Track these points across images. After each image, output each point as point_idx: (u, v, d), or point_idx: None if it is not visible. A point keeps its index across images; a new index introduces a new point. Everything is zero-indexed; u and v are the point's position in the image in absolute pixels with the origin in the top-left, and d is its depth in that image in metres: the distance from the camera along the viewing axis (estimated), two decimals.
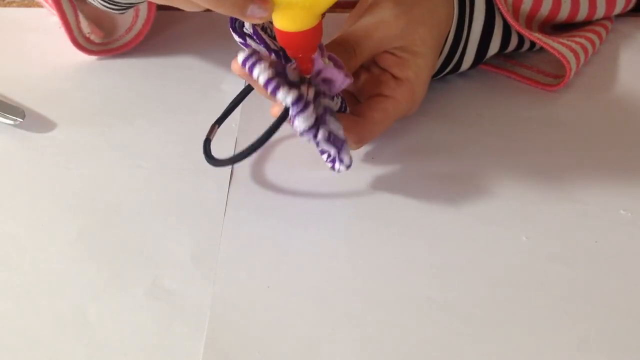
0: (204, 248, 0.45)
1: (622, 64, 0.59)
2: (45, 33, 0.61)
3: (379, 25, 0.47)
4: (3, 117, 0.53)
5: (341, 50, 0.45)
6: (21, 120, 0.53)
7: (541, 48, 0.56)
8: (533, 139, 0.52)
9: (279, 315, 0.42)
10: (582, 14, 0.57)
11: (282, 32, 0.42)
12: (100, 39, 0.60)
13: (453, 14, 0.51)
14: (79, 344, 0.40)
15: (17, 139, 0.53)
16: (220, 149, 0.51)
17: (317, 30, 0.42)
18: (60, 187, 0.49)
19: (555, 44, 0.54)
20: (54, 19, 0.61)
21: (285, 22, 0.41)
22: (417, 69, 0.49)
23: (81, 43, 0.59)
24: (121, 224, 0.47)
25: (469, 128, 0.53)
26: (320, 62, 0.43)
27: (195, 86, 0.57)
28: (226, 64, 0.58)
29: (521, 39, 0.55)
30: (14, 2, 0.66)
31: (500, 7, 0.52)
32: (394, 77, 0.49)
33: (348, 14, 0.54)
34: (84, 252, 0.45)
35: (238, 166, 0.50)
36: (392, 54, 0.49)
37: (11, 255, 0.45)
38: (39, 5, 0.65)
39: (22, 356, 0.40)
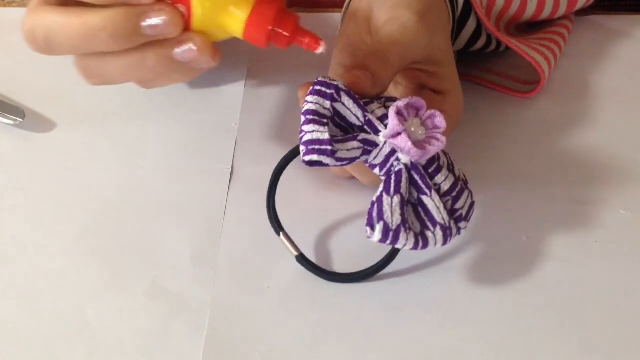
0: (204, 248, 0.45)
1: (612, 61, 0.59)
2: None
3: (402, 31, 0.45)
4: (3, 117, 0.53)
5: (374, 60, 0.43)
6: (21, 120, 0.53)
7: (505, 50, 0.56)
8: (530, 139, 0.52)
9: (279, 315, 0.42)
10: (546, 12, 0.57)
11: (245, 34, 0.41)
12: None
13: (450, 15, 0.51)
14: (79, 344, 0.40)
15: (17, 139, 0.53)
16: (220, 149, 0.51)
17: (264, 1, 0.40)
18: (60, 187, 0.49)
19: (530, 51, 0.53)
20: None
21: (232, 26, 0.41)
22: (450, 78, 0.47)
23: None
24: (121, 224, 0.47)
25: (458, 131, 0.53)
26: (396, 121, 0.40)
27: (196, 86, 0.57)
28: (226, 64, 0.58)
29: (488, 39, 0.55)
30: (14, 2, 0.66)
31: (478, 10, 0.52)
32: (435, 91, 0.47)
33: (337, 14, 0.53)
34: (84, 252, 0.45)
35: (238, 166, 0.50)
36: (420, 70, 0.47)
37: (11, 255, 0.45)
38: None
39: (22, 356, 0.40)
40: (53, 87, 0.57)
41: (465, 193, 0.42)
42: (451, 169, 0.42)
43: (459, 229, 0.41)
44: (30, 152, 0.52)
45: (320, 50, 0.42)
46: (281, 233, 0.44)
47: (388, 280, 0.44)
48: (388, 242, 0.39)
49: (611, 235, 0.46)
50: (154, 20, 0.41)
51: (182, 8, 0.41)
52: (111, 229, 0.46)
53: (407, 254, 0.44)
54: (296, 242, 0.44)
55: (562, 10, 0.57)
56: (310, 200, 0.48)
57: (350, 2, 0.51)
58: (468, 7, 0.52)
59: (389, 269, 0.43)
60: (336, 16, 0.59)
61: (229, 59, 0.59)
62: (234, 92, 0.56)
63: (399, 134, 0.39)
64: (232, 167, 0.50)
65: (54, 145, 0.52)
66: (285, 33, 0.41)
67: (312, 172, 0.49)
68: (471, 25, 0.53)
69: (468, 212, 0.42)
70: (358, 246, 0.45)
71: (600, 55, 0.59)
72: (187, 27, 0.41)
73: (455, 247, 0.45)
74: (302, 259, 0.44)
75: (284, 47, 0.42)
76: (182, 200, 0.48)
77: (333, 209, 0.47)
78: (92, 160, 0.51)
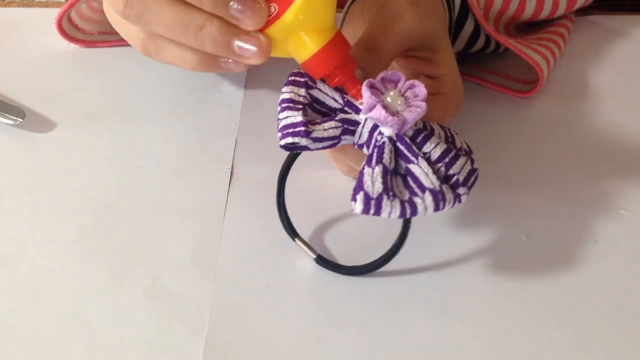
0: (204, 248, 0.45)
1: (612, 61, 0.59)
2: (45, 33, 0.61)
3: (395, 18, 0.45)
4: (3, 117, 0.53)
5: (362, 51, 0.44)
6: (21, 120, 0.53)
7: (505, 50, 0.56)
8: (530, 139, 0.52)
9: (279, 315, 0.42)
10: (545, 12, 0.57)
11: (306, 63, 0.40)
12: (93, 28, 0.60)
13: (445, 9, 0.51)
14: (79, 344, 0.40)
15: (17, 139, 0.53)
16: (220, 149, 0.51)
17: (337, 41, 0.40)
18: (60, 187, 0.49)
19: (528, 51, 0.53)
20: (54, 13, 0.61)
21: (298, 49, 0.40)
22: (446, 63, 0.48)
23: (65, 28, 0.59)
24: (121, 224, 0.47)
25: (457, 131, 0.53)
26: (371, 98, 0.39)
27: (195, 86, 0.57)
28: None
29: (487, 40, 0.55)
30: (14, 2, 0.66)
31: (475, 11, 0.52)
32: (430, 77, 0.48)
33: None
34: (84, 252, 0.45)
35: (238, 166, 0.50)
36: (415, 57, 0.47)
37: (11, 255, 0.45)
38: (39, 5, 0.65)
39: (22, 356, 0.40)
40: (53, 87, 0.57)
41: (462, 159, 0.41)
42: (450, 140, 0.41)
43: (458, 196, 0.40)
44: (30, 152, 0.52)
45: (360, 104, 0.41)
46: (296, 238, 0.44)
47: (388, 280, 0.44)
48: (371, 212, 0.38)
49: (611, 235, 0.46)
50: (242, 7, 0.39)
51: (273, 8, 0.39)
52: (111, 228, 0.46)
53: (409, 253, 0.44)
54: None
55: (561, 10, 0.57)
56: (316, 202, 0.48)
57: (348, 8, 0.51)
58: (465, 9, 0.52)
59: (389, 268, 0.43)
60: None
61: None
62: (234, 92, 0.56)
63: (375, 106, 0.39)
64: (232, 167, 0.50)
65: (54, 145, 0.52)
66: (341, 78, 0.41)
67: (316, 172, 0.49)
68: (469, 26, 0.53)
69: (468, 178, 0.41)
70: (366, 242, 0.45)
71: (600, 55, 0.59)
72: (262, 28, 0.40)
73: (455, 246, 0.45)
74: (320, 260, 0.44)
75: (331, 85, 0.41)
76: (182, 200, 0.48)
77: (340, 209, 0.47)
78: (92, 160, 0.51)
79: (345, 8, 0.51)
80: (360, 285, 0.43)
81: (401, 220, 0.41)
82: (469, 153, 0.42)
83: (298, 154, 0.43)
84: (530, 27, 0.59)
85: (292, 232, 0.45)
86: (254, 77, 0.57)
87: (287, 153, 0.43)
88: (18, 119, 0.53)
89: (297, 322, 0.41)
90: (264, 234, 0.46)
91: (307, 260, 0.44)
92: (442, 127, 0.42)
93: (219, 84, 0.57)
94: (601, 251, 0.45)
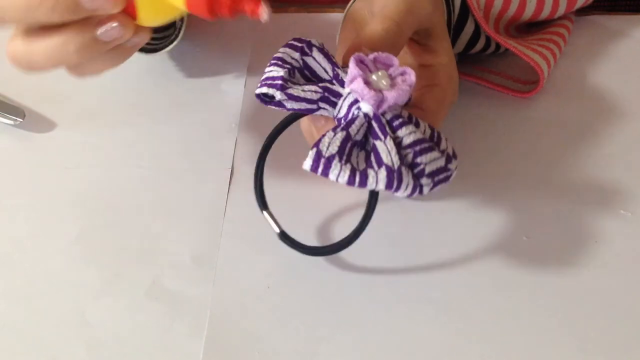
0: (204, 248, 0.45)
1: (611, 61, 0.59)
2: None
3: (416, 1, 0.45)
4: (3, 117, 0.53)
5: (385, 34, 0.43)
6: (21, 120, 0.53)
7: (505, 51, 0.56)
8: (530, 139, 0.52)
9: (279, 315, 0.42)
10: (545, 12, 0.57)
11: (186, 3, 0.38)
12: None
13: (444, 8, 0.51)
14: (79, 344, 0.40)
15: (17, 139, 0.53)
16: (221, 149, 0.52)
17: None
18: (60, 187, 0.49)
19: (529, 52, 0.53)
20: None
21: None
22: (444, 52, 0.47)
23: None
24: (121, 224, 0.47)
25: (458, 131, 0.53)
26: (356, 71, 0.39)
27: (195, 86, 0.57)
28: (226, 63, 0.58)
29: (487, 41, 0.55)
30: None
31: (475, 13, 0.52)
32: (426, 66, 0.47)
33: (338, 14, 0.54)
34: (84, 252, 0.45)
35: (238, 166, 0.50)
36: (417, 41, 0.47)
37: (11, 255, 0.45)
38: None
39: (22, 356, 0.40)
40: (53, 87, 0.57)
41: (435, 153, 0.40)
42: (434, 140, 0.41)
43: (420, 186, 0.39)
44: (30, 152, 0.52)
45: (264, 16, 0.38)
46: (265, 211, 0.45)
47: (388, 281, 0.44)
48: (319, 169, 0.38)
49: (611, 235, 0.46)
50: None
51: None
52: (111, 228, 0.46)
53: (409, 253, 0.44)
54: (290, 225, 0.45)
55: (561, 10, 0.57)
56: (308, 192, 0.48)
57: (348, 8, 0.51)
58: (465, 10, 0.52)
59: (390, 267, 0.43)
60: (336, 16, 0.59)
61: (229, 59, 0.59)
62: (234, 92, 0.56)
63: (356, 78, 0.39)
64: (232, 167, 0.50)
65: (54, 145, 0.52)
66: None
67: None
68: (469, 27, 0.53)
69: (435, 173, 0.39)
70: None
71: (600, 55, 0.59)
72: (132, 9, 0.39)
73: (455, 246, 0.45)
74: (283, 236, 0.44)
75: (230, 16, 0.38)
76: (182, 200, 0.48)
77: (326, 195, 0.48)
78: (92, 160, 0.51)
79: (347, 9, 0.51)
80: (361, 286, 0.43)
81: (366, 206, 0.41)
82: (451, 157, 0.41)
83: (286, 127, 0.43)
84: (530, 28, 0.59)
85: (263, 204, 0.45)
86: (254, 77, 0.57)
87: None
88: (18, 119, 0.53)
89: (296, 322, 0.41)
90: (264, 233, 0.46)
91: (307, 260, 0.44)
92: (431, 129, 0.42)
93: (219, 84, 0.57)
94: (601, 251, 0.45)
